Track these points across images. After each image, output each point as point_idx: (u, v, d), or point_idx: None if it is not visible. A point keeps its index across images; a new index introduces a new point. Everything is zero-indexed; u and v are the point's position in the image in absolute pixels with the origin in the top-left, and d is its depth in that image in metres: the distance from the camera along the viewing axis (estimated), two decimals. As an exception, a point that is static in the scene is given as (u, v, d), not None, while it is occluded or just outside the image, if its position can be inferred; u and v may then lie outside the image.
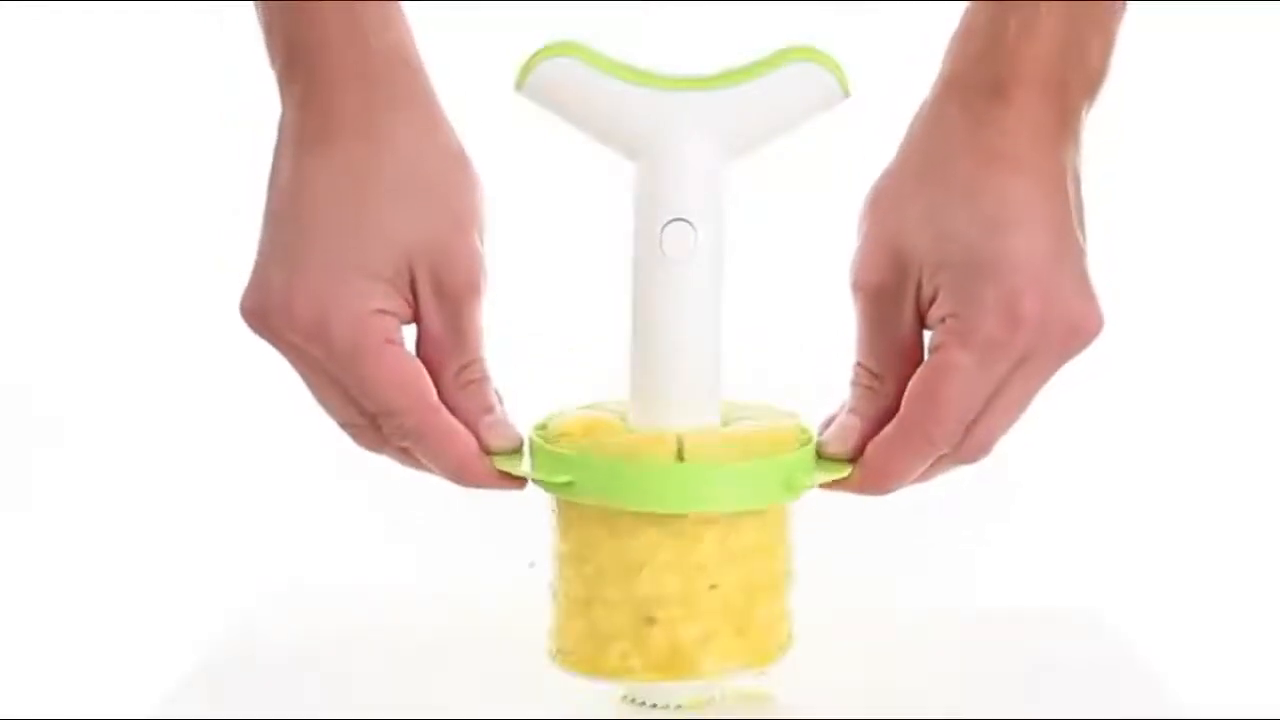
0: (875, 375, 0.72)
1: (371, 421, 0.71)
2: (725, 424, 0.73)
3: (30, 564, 1.16)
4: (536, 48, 0.71)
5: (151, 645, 1.00)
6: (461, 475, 0.72)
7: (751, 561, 0.73)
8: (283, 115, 0.72)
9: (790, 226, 1.12)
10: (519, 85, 0.71)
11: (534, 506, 0.75)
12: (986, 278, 0.68)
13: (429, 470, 0.73)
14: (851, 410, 0.73)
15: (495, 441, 0.72)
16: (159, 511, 1.18)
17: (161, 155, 1.29)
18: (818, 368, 0.80)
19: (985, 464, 0.73)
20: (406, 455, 0.73)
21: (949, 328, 0.69)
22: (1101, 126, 0.73)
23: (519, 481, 0.73)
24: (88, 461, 1.25)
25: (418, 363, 0.71)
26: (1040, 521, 1.09)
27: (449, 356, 0.72)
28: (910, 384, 0.70)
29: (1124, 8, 0.71)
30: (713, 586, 0.72)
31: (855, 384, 0.73)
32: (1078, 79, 0.70)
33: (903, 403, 0.70)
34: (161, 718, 0.76)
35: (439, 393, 0.71)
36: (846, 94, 0.71)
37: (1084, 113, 0.71)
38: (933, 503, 0.80)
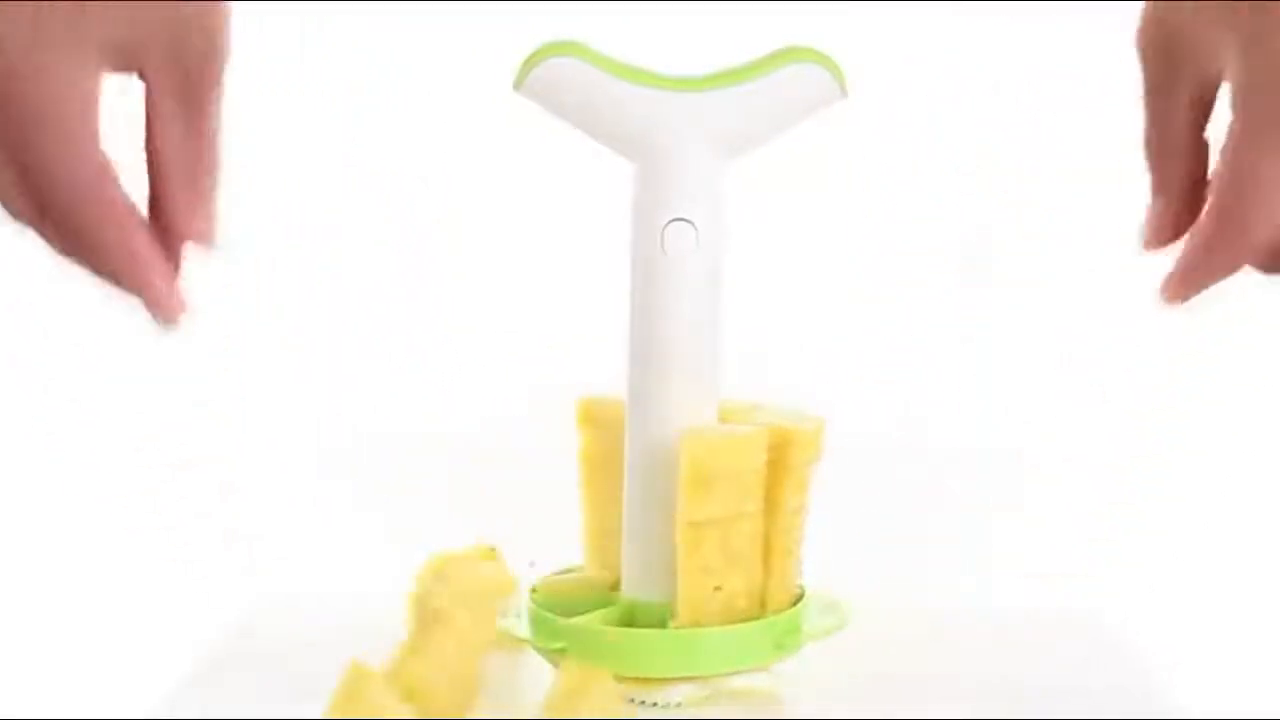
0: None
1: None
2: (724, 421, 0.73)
3: (30, 564, 1.16)
4: (536, 47, 0.71)
5: (151, 645, 1.00)
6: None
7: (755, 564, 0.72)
8: None
9: (790, 226, 1.12)
10: (518, 85, 0.71)
11: (533, 506, 0.75)
12: None
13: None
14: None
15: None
16: (158, 512, 1.18)
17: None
18: (818, 367, 0.80)
19: (986, 465, 0.73)
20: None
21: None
22: (1099, 128, 0.73)
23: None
24: (86, 461, 1.25)
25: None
26: (1040, 523, 1.09)
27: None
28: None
29: None
30: (717, 589, 0.72)
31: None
32: None
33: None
34: (161, 718, 0.76)
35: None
36: (846, 94, 0.71)
37: None
38: (934, 504, 0.80)
